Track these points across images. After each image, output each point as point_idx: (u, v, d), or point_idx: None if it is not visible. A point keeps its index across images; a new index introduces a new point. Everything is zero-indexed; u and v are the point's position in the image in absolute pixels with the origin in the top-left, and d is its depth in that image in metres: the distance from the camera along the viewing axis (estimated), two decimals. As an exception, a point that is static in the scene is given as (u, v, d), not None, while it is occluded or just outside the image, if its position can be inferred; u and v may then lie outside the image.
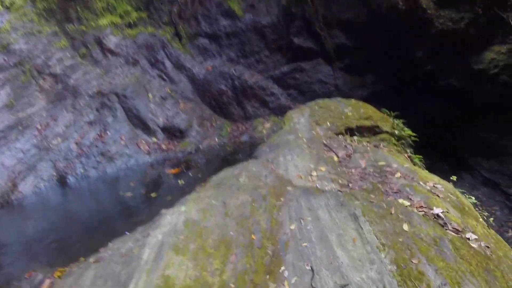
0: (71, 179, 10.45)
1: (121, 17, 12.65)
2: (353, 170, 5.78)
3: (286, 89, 11.52)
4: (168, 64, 11.97)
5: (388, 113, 8.42)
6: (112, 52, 12.46)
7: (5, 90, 12.12)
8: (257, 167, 5.91)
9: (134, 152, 10.64)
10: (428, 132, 8.87)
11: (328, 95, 11.12)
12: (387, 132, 7.76)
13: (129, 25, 12.55)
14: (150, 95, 11.25)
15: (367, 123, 7.70)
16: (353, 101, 8.48)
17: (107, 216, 7.70)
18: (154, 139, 10.89)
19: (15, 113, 11.72)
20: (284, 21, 11.09)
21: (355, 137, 7.43)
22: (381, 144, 7.18)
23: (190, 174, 8.97)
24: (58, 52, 12.79)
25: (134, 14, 12.51)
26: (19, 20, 13.33)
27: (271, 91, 11.32)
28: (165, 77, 11.97)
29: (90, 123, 11.36)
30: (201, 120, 11.28)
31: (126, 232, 4.57)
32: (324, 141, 7.00)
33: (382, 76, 10.92)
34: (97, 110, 11.50)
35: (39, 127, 11.58)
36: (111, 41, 12.47)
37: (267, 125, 10.81)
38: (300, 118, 8.09)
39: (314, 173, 5.69)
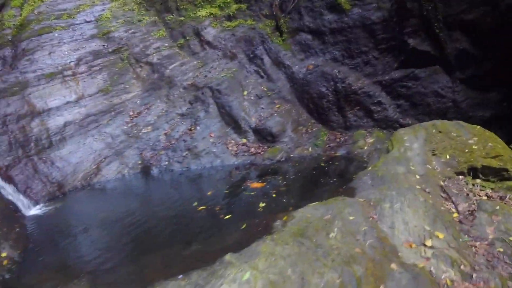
0: (154, 170, 10.10)
1: (220, 8, 12.17)
2: (477, 245, 4.34)
3: (395, 99, 9.95)
4: (266, 60, 11.17)
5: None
6: (209, 44, 12.02)
7: (102, 76, 12.21)
8: (355, 213, 4.59)
9: (221, 152, 9.94)
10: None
11: (444, 111, 9.58)
12: (515, 180, 6.09)
13: (228, 17, 12.00)
14: (245, 92, 10.53)
15: (495, 163, 5.98)
16: (478, 128, 6.77)
17: (175, 225, 6.99)
18: (244, 140, 10.11)
19: (110, 99, 11.73)
20: (397, 18, 9.64)
21: (478, 181, 5.85)
22: (508, 196, 5.46)
23: (273, 194, 7.60)
24: (156, 42, 12.67)
25: (234, 6, 11.95)
26: (120, 9, 13.47)
27: (377, 100, 9.82)
28: (262, 74, 11.18)
29: (182, 116, 10.96)
30: (296, 124, 10.20)
31: (179, 277, 3.73)
32: (442, 183, 5.62)
33: (510, 95, 9.09)
34: (190, 103, 11.07)
35: (131, 114, 11.47)
36: (209, 33, 12.03)
37: (370, 140, 9.34)
38: (413, 142, 6.65)
39: (429, 243, 4.26)
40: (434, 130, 6.77)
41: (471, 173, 5.91)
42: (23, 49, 12.34)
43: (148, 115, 11.33)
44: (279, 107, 10.31)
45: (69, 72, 11.97)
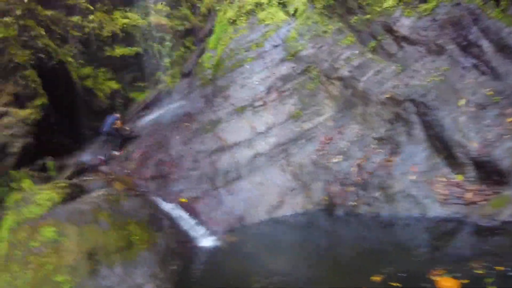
0: (339, 210, 8.38)
1: (409, -9, 9.19)
2: None
3: None
4: (485, 45, 7.64)
5: None
6: (406, 40, 9.21)
7: (292, 100, 11.19)
8: None
9: (423, 196, 7.15)
10: None
11: None
12: None
13: (422, -1, 8.93)
14: (461, 101, 7.33)
15: None
16: None
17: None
18: (459, 178, 6.94)
19: (300, 125, 10.67)
20: None
21: None
22: None
23: None
24: (344, 51, 10.73)
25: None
26: (303, 25, 12.25)
27: None
28: (484, 68, 7.67)
29: (379, 141, 8.69)
30: None
31: None
32: None
33: None
34: (390, 123, 8.65)
35: (322, 140, 10.00)
36: (403, 24, 9.20)
37: None
38: None
39: None
40: None
41: None
42: (219, 87, 12.62)
43: (341, 140, 9.58)
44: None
45: (260, 103, 11.48)
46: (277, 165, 10.11)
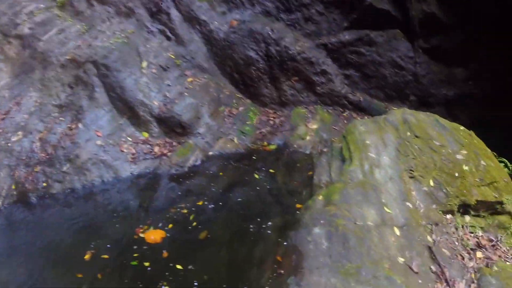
0: (32, 198, 6.80)
1: None
2: None
3: (344, 67, 8.11)
4: (175, 14, 8.15)
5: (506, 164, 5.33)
6: (99, 0, 8.53)
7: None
8: None
9: (113, 158, 6.84)
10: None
11: (402, 86, 8.10)
12: (508, 213, 4.73)
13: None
14: (144, 63, 7.41)
15: (490, 195, 4.66)
16: (462, 131, 5.37)
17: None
18: (145, 135, 7.18)
19: (-32, 96, 8.21)
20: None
21: (467, 220, 4.57)
22: (499, 238, 4.43)
23: (174, 264, 4.71)
24: (29, 4, 8.95)
25: None
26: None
27: (321, 68, 7.83)
28: (169, 35, 8.17)
29: (60, 108, 7.61)
30: (215, 105, 7.51)
31: None
32: (429, 238, 4.21)
33: (478, 74, 7.59)
34: (70, 87, 7.73)
35: (-2, 115, 8.03)
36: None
37: (312, 125, 7.24)
38: (380, 151, 5.01)
39: None
40: (408, 134, 5.17)
41: (460, 210, 4.65)
42: None
43: (19, 112, 7.86)
44: (191, 81, 7.48)
45: None
46: None
